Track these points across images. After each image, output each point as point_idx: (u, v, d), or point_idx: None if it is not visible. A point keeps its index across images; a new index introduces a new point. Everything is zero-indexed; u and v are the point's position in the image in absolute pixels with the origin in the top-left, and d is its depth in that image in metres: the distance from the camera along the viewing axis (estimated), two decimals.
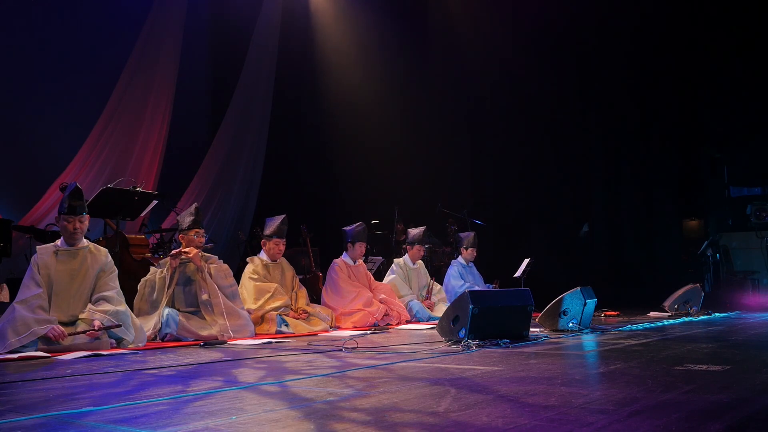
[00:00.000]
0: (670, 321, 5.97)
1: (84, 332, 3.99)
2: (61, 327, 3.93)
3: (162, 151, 9.54)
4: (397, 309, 6.32)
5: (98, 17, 9.21)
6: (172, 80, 9.81)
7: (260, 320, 5.30)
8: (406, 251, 7.32)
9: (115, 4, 9.49)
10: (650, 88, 10.48)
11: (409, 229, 7.43)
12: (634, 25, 10.45)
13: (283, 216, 5.86)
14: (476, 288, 7.50)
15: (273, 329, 5.26)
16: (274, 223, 5.83)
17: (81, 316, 4.12)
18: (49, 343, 3.87)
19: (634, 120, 10.61)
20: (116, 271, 4.41)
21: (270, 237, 5.80)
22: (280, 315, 5.40)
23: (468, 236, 7.82)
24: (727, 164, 10.70)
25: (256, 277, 5.64)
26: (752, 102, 9.89)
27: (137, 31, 9.50)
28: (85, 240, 4.35)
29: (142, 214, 6.49)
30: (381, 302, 6.27)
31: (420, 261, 7.33)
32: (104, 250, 4.40)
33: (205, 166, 10.48)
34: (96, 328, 4.01)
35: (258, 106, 11.27)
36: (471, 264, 7.83)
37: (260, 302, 5.41)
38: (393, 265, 7.23)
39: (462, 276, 7.63)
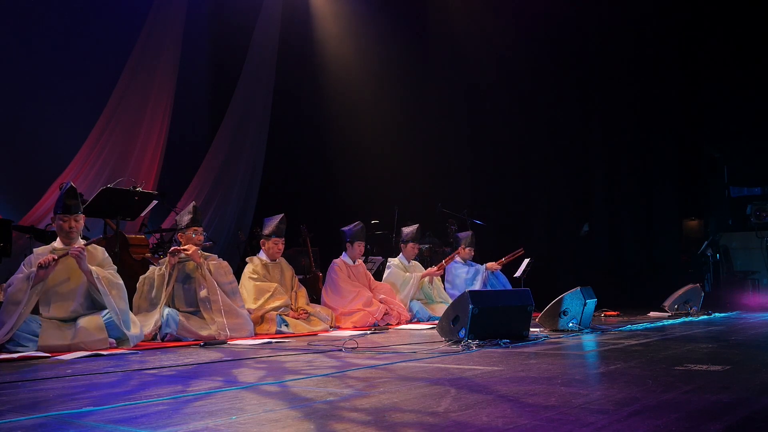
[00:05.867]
0: (670, 321, 5.97)
1: (66, 254, 4.11)
2: (48, 257, 4.09)
3: (162, 151, 9.53)
4: (397, 309, 6.32)
5: (98, 17, 9.20)
6: (172, 80, 9.80)
7: (260, 320, 5.30)
8: (401, 250, 7.30)
9: (116, 3, 9.48)
10: (650, 87, 10.47)
11: (403, 228, 7.43)
12: (635, 25, 10.45)
13: (282, 215, 5.86)
14: (476, 284, 7.56)
15: (273, 329, 5.26)
16: (272, 223, 5.84)
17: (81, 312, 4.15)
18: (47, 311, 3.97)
19: (634, 120, 10.60)
20: (115, 268, 4.42)
21: (269, 237, 5.81)
22: (280, 315, 5.40)
23: (466, 236, 7.84)
24: (727, 164, 10.70)
25: (255, 276, 5.64)
26: (752, 102, 9.89)
27: (137, 31, 9.49)
28: (81, 240, 4.36)
29: (142, 214, 6.49)
30: (381, 302, 6.27)
31: (414, 260, 7.30)
32: (101, 249, 4.42)
33: (205, 166, 10.48)
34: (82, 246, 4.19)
35: (258, 105, 11.27)
36: (469, 262, 7.84)
37: (260, 302, 5.41)
38: (388, 264, 7.20)
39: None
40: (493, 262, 7.71)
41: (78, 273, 4.22)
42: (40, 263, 4.04)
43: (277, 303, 5.43)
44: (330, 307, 6.04)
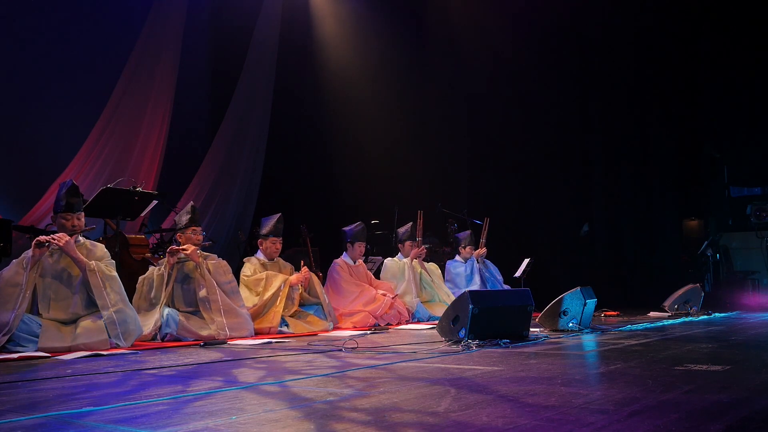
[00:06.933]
0: (670, 321, 5.97)
1: (49, 240, 4.09)
2: (45, 237, 4.09)
3: (162, 151, 9.52)
4: (398, 308, 6.32)
5: (98, 17, 9.19)
6: (172, 80, 9.79)
7: (262, 311, 5.30)
8: (398, 251, 7.29)
9: (116, 3, 9.48)
10: (650, 87, 10.48)
11: (398, 229, 7.45)
12: (635, 25, 10.45)
13: (279, 215, 5.87)
14: (476, 277, 7.62)
15: (276, 322, 5.28)
16: (270, 222, 5.85)
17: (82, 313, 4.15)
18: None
19: (634, 120, 10.61)
20: (114, 263, 4.42)
21: (266, 236, 5.81)
22: (281, 316, 5.41)
23: (465, 235, 7.90)
24: (727, 164, 10.70)
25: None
26: (752, 102, 9.89)
27: (137, 31, 9.48)
28: (81, 237, 4.36)
29: (142, 214, 6.50)
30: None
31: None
32: (101, 246, 4.42)
33: (205, 166, 10.47)
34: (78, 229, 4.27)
35: (258, 105, 11.26)
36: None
37: (258, 291, 5.45)
38: (386, 264, 7.19)
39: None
40: (477, 249, 7.85)
41: (75, 271, 4.22)
42: (37, 240, 4.04)
43: (276, 284, 5.44)
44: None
